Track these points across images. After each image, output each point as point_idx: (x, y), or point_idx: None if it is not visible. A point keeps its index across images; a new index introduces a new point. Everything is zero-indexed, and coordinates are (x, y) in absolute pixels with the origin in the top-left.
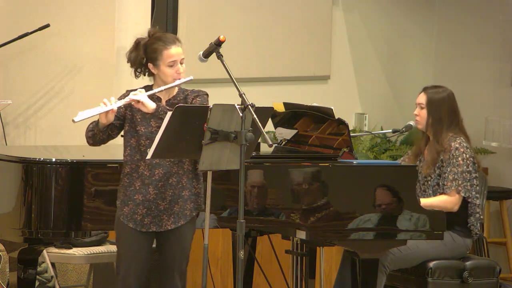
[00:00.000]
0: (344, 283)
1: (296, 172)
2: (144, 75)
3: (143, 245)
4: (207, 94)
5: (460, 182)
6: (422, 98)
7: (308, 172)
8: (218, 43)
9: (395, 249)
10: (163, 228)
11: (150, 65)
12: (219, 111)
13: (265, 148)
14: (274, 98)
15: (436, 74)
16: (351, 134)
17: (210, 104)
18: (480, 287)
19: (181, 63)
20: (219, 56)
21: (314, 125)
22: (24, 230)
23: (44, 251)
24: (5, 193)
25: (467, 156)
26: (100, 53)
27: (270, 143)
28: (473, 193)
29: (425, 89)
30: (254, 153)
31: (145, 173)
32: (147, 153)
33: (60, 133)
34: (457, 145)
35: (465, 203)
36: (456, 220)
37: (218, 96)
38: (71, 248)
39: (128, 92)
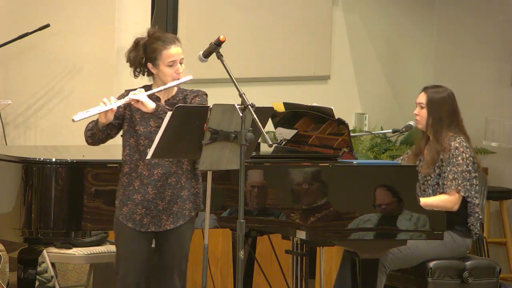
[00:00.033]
0: (344, 283)
1: (296, 172)
2: (144, 75)
3: (142, 245)
4: (206, 94)
5: (459, 181)
6: (422, 98)
7: (308, 172)
8: (218, 43)
9: (395, 249)
10: (162, 228)
11: (149, 65)
12: (219, 111)
13: (265, 148)
14: (274, 98)
15: (436, 74)
16: (351, 134)
17: (210, 104)
18: (480, 287)
19: (180, 63)
20: (219, 56)
21: (314, 125)
22: (24, 230)
23: (44, 251)
24: (5, 193)
25: (467, 155)
26: (100, 53)
27: (270, 143)
28: (473, 192)
29: (425, 89)
30: (254, 153)
31: (144, 173)
32: (146, 153)
33: (60, 133)
34: (457, 145)
35: (465, 202)
36: (456, 220)
37: (218, 96)
38: (71, 248)
39: (127, 92)
